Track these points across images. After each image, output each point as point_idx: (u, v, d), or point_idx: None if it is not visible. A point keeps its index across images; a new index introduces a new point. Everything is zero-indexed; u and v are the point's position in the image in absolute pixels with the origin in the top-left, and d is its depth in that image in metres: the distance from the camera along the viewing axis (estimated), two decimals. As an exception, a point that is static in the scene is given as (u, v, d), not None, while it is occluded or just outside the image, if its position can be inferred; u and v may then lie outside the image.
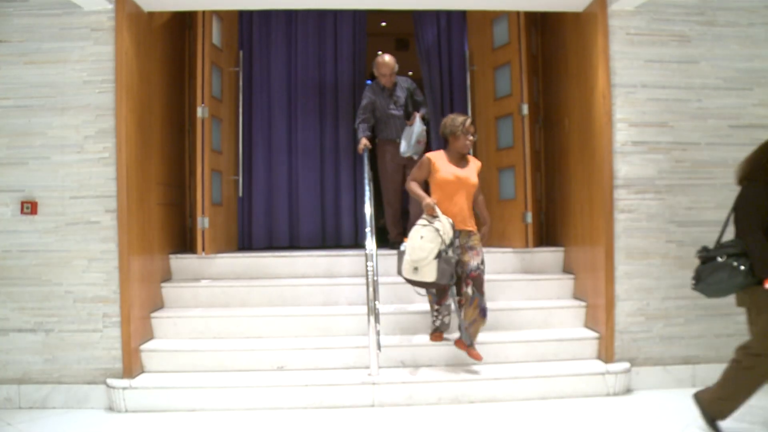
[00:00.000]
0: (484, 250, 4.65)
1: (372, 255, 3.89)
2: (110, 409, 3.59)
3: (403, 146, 4.84)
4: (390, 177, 5.09)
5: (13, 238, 3.68)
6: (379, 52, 5.28)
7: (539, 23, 4.98)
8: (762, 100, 3.94)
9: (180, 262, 4.46)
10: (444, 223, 3.57)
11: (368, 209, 4.49)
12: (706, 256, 3.01)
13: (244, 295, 4.28)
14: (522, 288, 4.33)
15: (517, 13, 4.72)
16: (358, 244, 5.35)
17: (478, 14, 5.16)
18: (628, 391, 3.77)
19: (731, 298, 3.53)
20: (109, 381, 3.61)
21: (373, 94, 4.98)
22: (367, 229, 4.18)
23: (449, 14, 5.66)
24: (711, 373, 3.86)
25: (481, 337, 3.95)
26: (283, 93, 5.47)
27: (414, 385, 3.62)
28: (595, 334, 3.93)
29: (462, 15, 5.53)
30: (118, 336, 3.65)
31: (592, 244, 4.03)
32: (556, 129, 4.74)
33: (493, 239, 5.00)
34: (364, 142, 4.87)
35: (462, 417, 3.40)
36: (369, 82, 5.49)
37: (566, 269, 4.53)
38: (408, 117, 5.01)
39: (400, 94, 5.03)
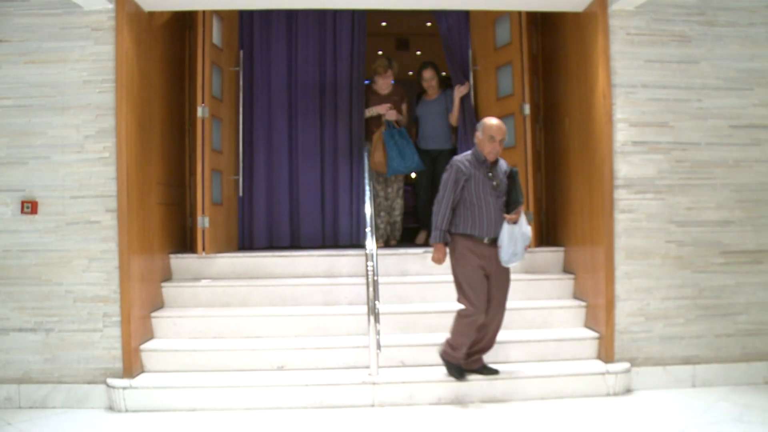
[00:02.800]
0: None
1: (372, 255, 3.89)
2: (110, 408, 3.59)
3: (506, 253, 3.50)
4: (478, 283, 3.58)
5: (13, 237, 3.68)
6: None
7: (539, 23, 4.98)
8: (762, 100, 3.94)
9: (180, 262, 4.46)
10: None
11: (368, 209, 4.50)
12: None
13: (244, 294, 4.28)
14: (522, 288, 4.32)
15: (519, 13, 4.71)
16: (357, 244, 5.34)
17: (480, 14, 5.16)
18: (628, 391, 3.77)
19: (731, 298, 3.54)
20: (109, 381, 3.61)
21: (470, 167, 3.56)
22: (367, 229, 4.18)
23: (455, 13, 5.64)
24: (711, 373, 3.88)
25: (481, 337, 3.96)
26: (283, 93, 5.47)
27: (414, 385, 3.62)
28: (595, 334, 3.93)
29: (465, 15, 5.53)
30: (118, 336, 3.65)
31: (592, 244, 4.03)
32: (556, 129, 4.74)
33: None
34: (440, 256, 3.63)
35: (462, 417, 3.40)
36: (367, 81, 5.50)
37: (566, 269, 4.53)
38: (509, 207, 3.55)
39: (502, 176, 3.62)
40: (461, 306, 3.54)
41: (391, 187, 5.43)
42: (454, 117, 5.24)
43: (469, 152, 3.64)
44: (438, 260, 3.63)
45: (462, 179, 3.53)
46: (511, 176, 3.57)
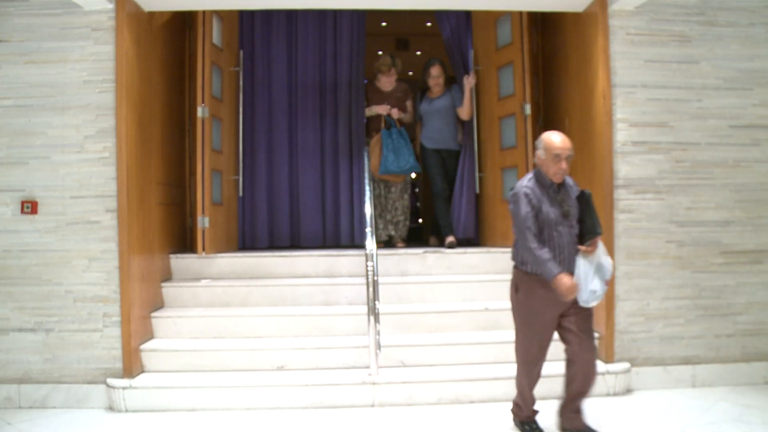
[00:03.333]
0: (490, 250, 4.67)
1: (372, 255, 3.89)
2: (110, 408, 3.59)
3: (584, 292, 2.95)
4: (540, 327, 3.08)
5: (13, 237, 3.68)
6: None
7: (539, 23, 4.97)
8: (762, 100, 3.94)
9: (180, 262, 4.46)
10: None
11: (368, 209, 4.49)
12: None
13: (244, 294, 4.28)
14: (522, 288, 4.32)
15: (520, 13, 4.71)
16: (358, 244, 5.34)
17: (482, 14, 5.16)
18: (628, 391, 3.77)
19: (731, 298, 3.53)
20: (109, 381, 3.61)
21: (533, 196, 2.98)
22: (367, 229, 4.18)
23: (458, 14, 5.65)
24: (711, 373, 3.88)
25: (481, 336, 3.96)
26: (283, 93, 5.47)
27: (414, 385, 3.61)
28: (595, 334, 3.93)
29: (467, 15, 5.53)
30: (118, 336, 3.65)
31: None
32: (556, 129, 4.71)
33: (497, 239, 5.00)
34: (567, 284, 2.88)
35: (462, 417, 3.40)
36: (366, 81, 5.49)
37: (566, 269, 4.53)
38: (584, 237, 3.01)
39: (572, 200, 3.08)
40: (517, 350, 3.12)
41: (395, 187, 5.39)
42: (465, 111, 5.09)
43: (529, 176, 3.07)
44: (570, 290, 2.88)
45: (534, 205, 2.95)
46: (584, 199, 3.04)
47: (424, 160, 5.27)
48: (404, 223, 5.45)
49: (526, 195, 2.96)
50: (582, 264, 2.96)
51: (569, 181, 3.12)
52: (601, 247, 3.02)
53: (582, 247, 2.98)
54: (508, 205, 3.06)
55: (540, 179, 3.03)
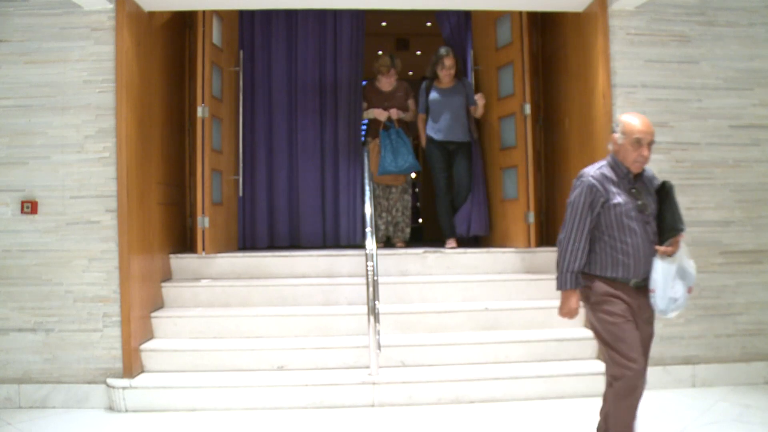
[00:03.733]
0: (490, 250, 4.66)
1: (372, 255, 3.89)
2: (110, 408, 3.59)
3: (662, 300, 2.51)
4: (630, 333, 2.57)
5: (13, 237, 3.68)
6: (380, 53, 5.26)
7: (539, 23, 4.97)
8: (762, 100, 3.95)
9: (180, 262, 4.46)
10: None
11: (368, 209, 4.49)
12: None
13: (244, 294, 4.27)
14: (522, 288, 4.33)
15: (520, 13, 4.71)
16: (357, 244, 5.35)
17: (481, 14, 5.16)
18: (628, 391, 3.77)
19: (731, 298, 3.53)
20: (109, 381, 3.61)
21: (606, 183, 2.59)
22: (367, 229, 4.18)
23: (457, 14, 5.65)
24: (711, 373, 3.88)
25: (481, 336, 3.96)
26: (283, 92, 5.47)
27: (414, 385, 3.62)
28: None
29: (467, 15, 5.53)
30: (118, 336, 3.65)
31: (592, 244, 4.02)
32: (556, 129, 4.74)
33: (496, 239, 5.01)
34: (572, 307, 2.64)
35: (462, 417, 3.40)
36: (364, 82, 5.49)
37: (566, 269, 4.52)
38: (664, 235, 2.58)
39: (649, 193, 2.65)
40: (612, 372, 2.55)
41: (395, 189, 5.37)
42: (480, 110, 4.96)
43: (602, 163, 2.65)
44: (570, 313, 2.63)
45: (599, 201, 2.54)
46: (664, 191, 2.61)
47: (428, 155, 5.07)
48: (405, 223, 5.42)
49: (591, 187, 2.55)
50: (661, 267, 2.51)
51: (649, 171, 2.69)
52: (683, 248, 2.56)
53: (661, 248, 2.53)
54: (570, 192, 2.65)
55: (615, 168, 2.60)
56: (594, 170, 2.61)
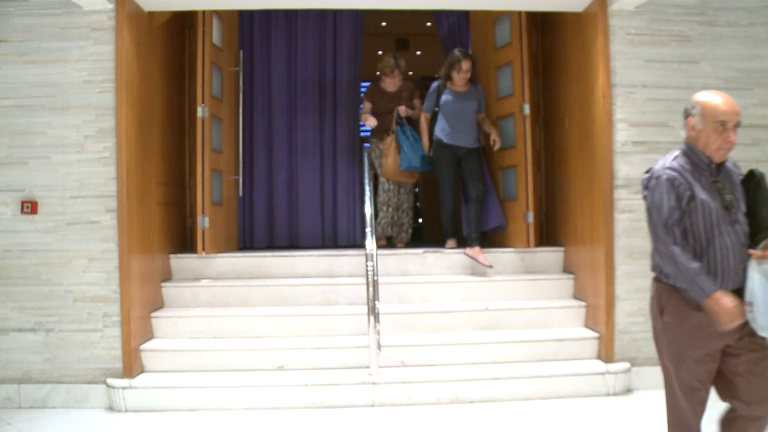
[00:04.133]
0: (490, 250, 4.64)
1: (372, 255, 3.90)
2: (110, 408, 3.59)
3: (762, 315, 2.03)
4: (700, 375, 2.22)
5: (13, 237, 3.68)
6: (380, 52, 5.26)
7: (539, 23, 4.97)
8: (762, 100, 3.94)
9: (180, 262, 4.46)
10: None
11: (368, 209, 4.49)
12: None
13: (244, 294, 4.27)
14: (522, 288, 4.33)
15: (519, 13, 4.71)
16: (357, 244, 5.34)
17: (480, 14, 5.16)
18: (628, 391, 3.77)
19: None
20: (109, 381, 3.61)
21: (682, 181, 2.15)
22: (367, 229, 4.18)
23: (456, 13, 5.65)
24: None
25: (481, 336, 3.96)
26: (283, 92, 5.48)
27: (414, 385, 3.62)
28: (595, 334, 3.93)
29: (465, 15, 5.53)
30: (118, 335, 3.65)
31: (592, 244, 4.03)
32: (556, 129, 4.74)
33: (496, 239, 5.01)
34: (727, 306, 2.05)
35: (462, 417, 3.40)
36: (368, 84, 5.47)
37: (566, 269, 4.53)
38: (758, 236, 2.17)
39: (735, 187, 2.24)
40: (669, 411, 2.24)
41: (404, 188, 5.25)
42: (489, 124, 4.87)
43: (674, 153, 2.20)
44: (732, 316, 2.02)
45: (685, 195, 2.10)
46: (754, 183, 2.20)
47: (436, 157, 4.87)
48: (409, 224, 5.34)
49: (672, 181, 2.10)
50: (757, 275, 2.06)
51: (730, 160, 2.23)
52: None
53: (756, 251, 2.10)
54: (642, 193, 2.22)
55: (693, 158, 2.15)
56: (669, 161, 2.16)
